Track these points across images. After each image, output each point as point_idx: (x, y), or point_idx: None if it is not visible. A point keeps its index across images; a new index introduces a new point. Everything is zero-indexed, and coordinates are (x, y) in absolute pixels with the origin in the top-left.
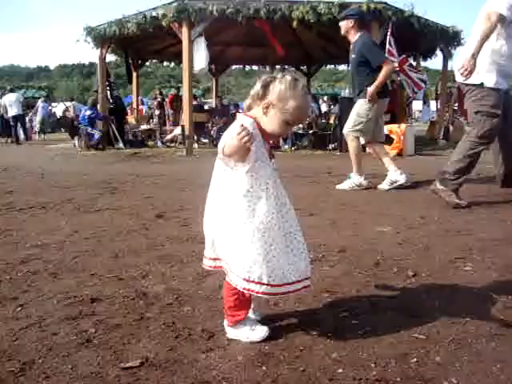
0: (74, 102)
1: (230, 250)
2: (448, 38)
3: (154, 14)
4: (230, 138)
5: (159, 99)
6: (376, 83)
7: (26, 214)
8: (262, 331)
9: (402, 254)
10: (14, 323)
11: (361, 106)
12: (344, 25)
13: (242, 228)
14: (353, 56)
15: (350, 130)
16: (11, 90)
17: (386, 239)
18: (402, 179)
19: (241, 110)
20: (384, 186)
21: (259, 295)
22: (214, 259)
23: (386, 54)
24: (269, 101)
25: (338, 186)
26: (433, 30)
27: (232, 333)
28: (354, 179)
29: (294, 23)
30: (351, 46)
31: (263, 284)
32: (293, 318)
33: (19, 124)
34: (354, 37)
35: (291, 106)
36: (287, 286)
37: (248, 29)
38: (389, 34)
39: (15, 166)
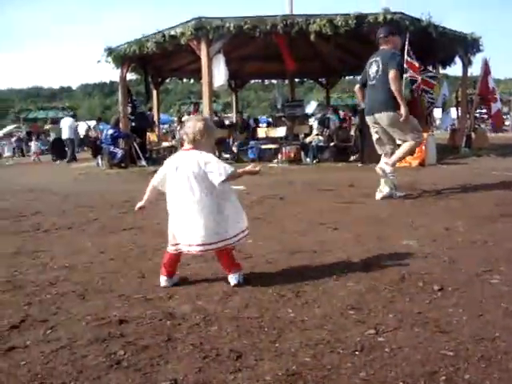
0: (101, 123)
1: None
2: (467, 46)
3: (172, 32)
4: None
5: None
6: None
7: (53, 235)
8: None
9: (427, 267)
10: (45, 346)
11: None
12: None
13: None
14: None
15: None
16: (72, 116)
17: (410, 253)
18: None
19: (261, 125)
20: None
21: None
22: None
23: (405, 65)
24: (207, 136)
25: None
26: (451, 38)
27: (235, 280)
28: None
29: (312, 36)
30: None
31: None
32: (319, 335)
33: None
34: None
35: (212, 129)
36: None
37: (266, 43)
38: (406, 43)
39: (40, 187)
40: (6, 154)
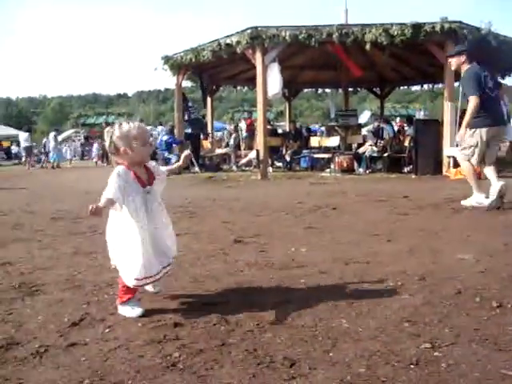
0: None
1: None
2: None
3: (228, 41)
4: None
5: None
6: (464, 123)
7: None
8: (138, 311)
9: (484, 283)
10: (104, 344)
11: (466, 136)
12: (456, 61)
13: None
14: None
15: (461, 157)
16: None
17: (466, 267)
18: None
19: (316, 132)
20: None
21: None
22: None
23: None
24: (123, 149)
25: (463, 202)
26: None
27: (120, 309)
28: (478, 198)
29: (367, 46)
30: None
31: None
32: (373, 347)
33: None
34: (464, 70)
35: (132, 135)
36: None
37: (320, 52)
38: None
39: (97, 189)
40: (69, 157)
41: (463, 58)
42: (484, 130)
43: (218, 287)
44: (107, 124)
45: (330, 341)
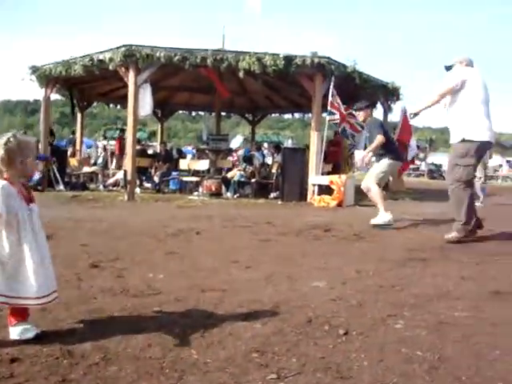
0: None
1: None
2: (388, 93)
3: (101, 57)
4: None
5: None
6: (368, 150)
7: None
8: (32, 332)
9: (334, 311)
10: None
11: (383, 164)
12: (363, 113)
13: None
14: (367, 135)
15: (373, 180)
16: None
17: (319, 295)
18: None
19: (187, 154)
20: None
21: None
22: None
23: (329, 107)
24: (20, 160)
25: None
26: (373, 85)
27: (12, 332)
28: (386, 217)
29: (241, 73)
30: (366, 127)
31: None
32: (220, 379)
33: None
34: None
35: (31, 147)
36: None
37: (195, 75)
38: (331, 87)
39: None
40: None
41: (369, 111)
42: (394, 163)
43: (67, 316)
44: None
45: (176, 373)
